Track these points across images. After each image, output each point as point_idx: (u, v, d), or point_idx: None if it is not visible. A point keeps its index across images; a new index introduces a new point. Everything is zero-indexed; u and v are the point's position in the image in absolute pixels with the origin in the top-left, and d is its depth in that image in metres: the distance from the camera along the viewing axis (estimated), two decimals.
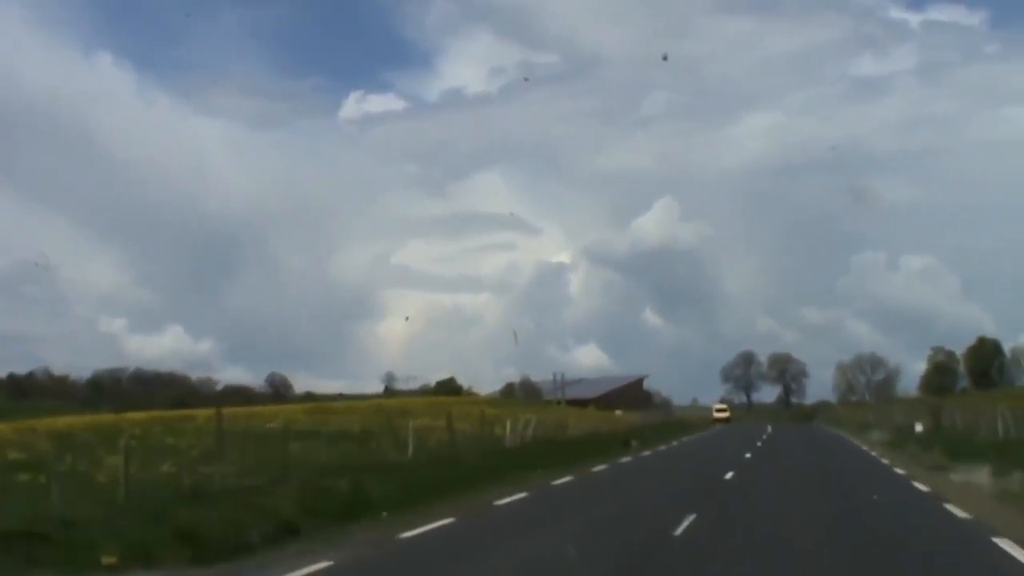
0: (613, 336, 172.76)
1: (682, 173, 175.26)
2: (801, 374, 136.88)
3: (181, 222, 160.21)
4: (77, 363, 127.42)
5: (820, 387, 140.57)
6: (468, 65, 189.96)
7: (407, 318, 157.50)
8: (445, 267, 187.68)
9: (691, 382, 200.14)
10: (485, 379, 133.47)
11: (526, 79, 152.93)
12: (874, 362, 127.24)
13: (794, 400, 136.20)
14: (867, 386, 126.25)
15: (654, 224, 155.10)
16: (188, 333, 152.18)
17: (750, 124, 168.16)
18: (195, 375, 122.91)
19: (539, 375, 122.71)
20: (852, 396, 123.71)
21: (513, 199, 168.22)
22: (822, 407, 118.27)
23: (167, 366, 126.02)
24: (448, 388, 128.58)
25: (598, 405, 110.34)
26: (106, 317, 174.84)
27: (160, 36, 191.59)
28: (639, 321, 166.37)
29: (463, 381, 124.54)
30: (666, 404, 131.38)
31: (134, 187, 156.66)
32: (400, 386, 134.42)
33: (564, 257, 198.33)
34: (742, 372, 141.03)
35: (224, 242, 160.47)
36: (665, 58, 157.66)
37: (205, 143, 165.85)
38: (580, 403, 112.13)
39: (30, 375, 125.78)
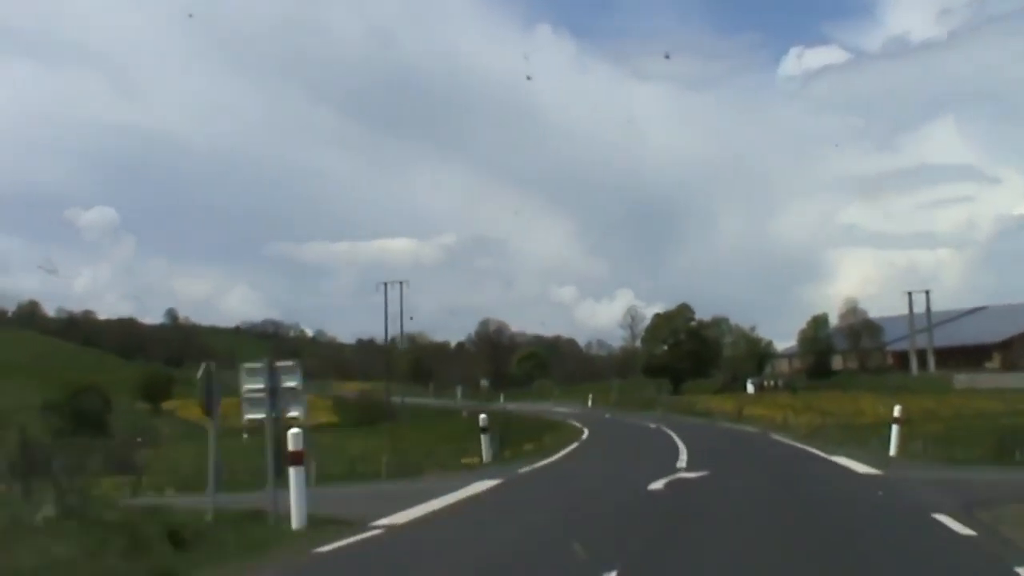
0: None
1: None
2: None
3: (621, 186, 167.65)
4: (529, 330, 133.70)
5: None
6: (913, 10, 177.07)
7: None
8: (896, 223, 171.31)
9: None
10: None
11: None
12: None
13: None
14: None
15: None
16: (639, 298, 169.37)
17: None
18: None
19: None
20: None
21: (968, 148, 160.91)
22: None
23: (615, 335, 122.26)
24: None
25: (1009, 356, 71.52)
26: (554, 285, 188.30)
27: (595, 3, 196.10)
28: None
29: None
30: None
31: (575, 155, 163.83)
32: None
33: None
34: None
35: (664, 205, 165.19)
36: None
37: (642, 107, 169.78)
38: (965, 353, 74.52)
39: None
